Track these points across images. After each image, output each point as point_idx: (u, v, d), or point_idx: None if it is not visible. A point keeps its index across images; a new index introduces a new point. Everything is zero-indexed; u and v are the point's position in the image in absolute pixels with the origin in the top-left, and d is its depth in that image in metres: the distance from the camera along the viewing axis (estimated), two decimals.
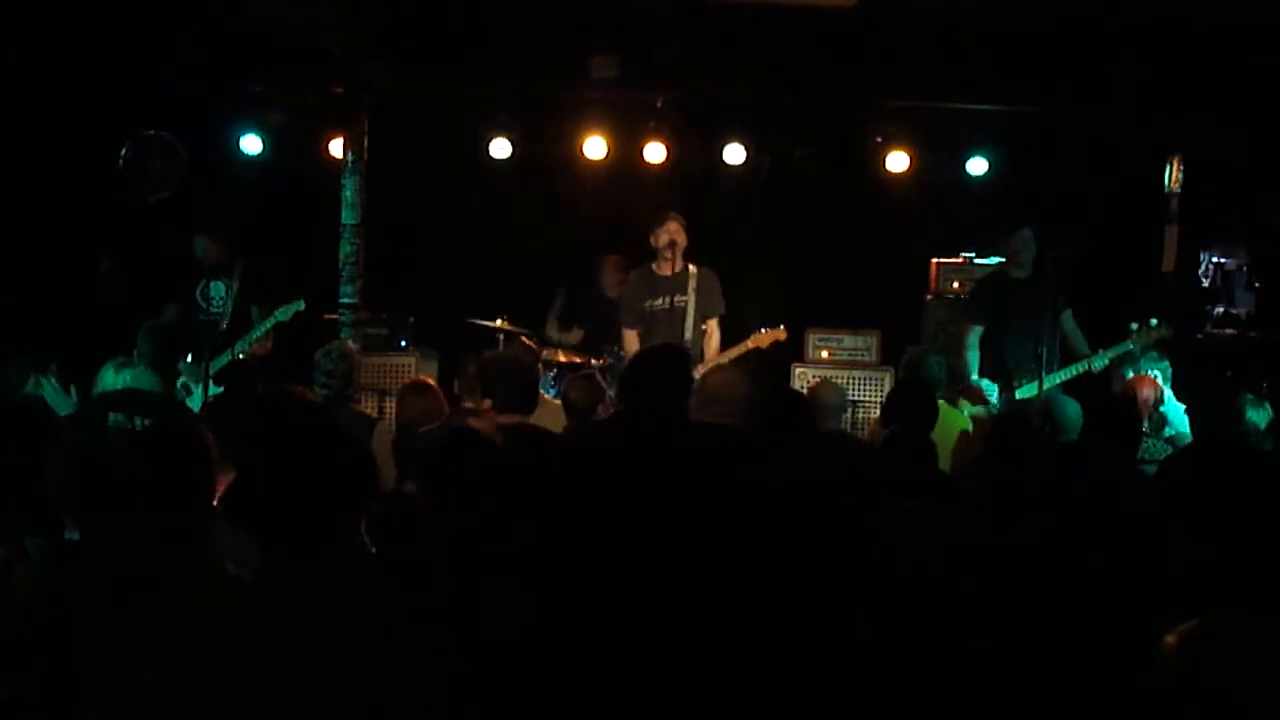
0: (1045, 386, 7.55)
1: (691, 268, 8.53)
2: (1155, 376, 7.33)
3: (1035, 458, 4.56)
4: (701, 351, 8.49)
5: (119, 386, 6.28)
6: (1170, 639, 3.02)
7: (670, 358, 5.53)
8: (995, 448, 4.64)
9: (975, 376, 8.16)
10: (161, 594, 3.24)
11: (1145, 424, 7.06)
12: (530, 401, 5.98)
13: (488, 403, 6.14)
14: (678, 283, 8.50)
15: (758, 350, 8.62)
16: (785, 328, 8.68)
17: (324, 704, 2.93)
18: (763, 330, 8.63)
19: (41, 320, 8.62)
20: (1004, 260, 8.56)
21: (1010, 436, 4.72)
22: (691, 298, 8.49)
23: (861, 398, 9.50)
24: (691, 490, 4.35)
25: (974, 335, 8.33)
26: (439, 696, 3.08)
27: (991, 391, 8.07)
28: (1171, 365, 7.61)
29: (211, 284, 8.40)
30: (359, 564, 3.33)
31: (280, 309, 8.09)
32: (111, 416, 5.54)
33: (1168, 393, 7.25)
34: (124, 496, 3.58)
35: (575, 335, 10.01)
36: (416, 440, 6.24)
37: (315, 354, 6.70)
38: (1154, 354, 7.45)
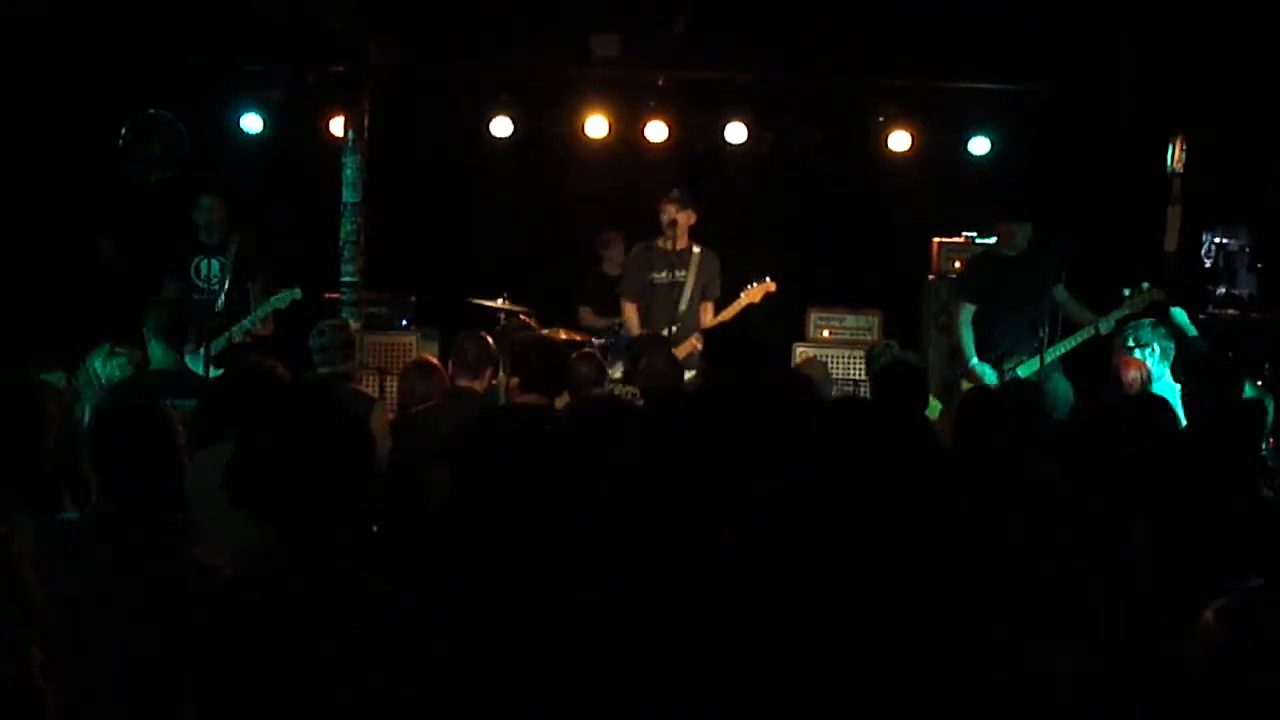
0: (1048, 360, 7.54)
1: (695, 247, 8.58)
2: (1150, 356, 7.27)
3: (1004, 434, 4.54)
4: (698, 322, 8.53)
5: (106, 374, 6.26)
6: (1208, 613, 3.08)
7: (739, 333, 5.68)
8: (964, 424, 4.64)
9: (975, 360, 8.13)
10: (124, 579, 3.24)
11: None
12: (555, 384, 5.91)
13: (515, 380, 6.12)
14: (680, 258, 8.54)
15: (752, 306, 8.63)
16: (773, 280, 8.67)
17: (319, 687, 2.93)
18: (752, 285, 8.63)
19: (42, 300, 8.64)
20: (995, 240, 8.52)
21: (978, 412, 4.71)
22: (691, 275, 8.54)
23: (863, 377, 9.50)
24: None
25: (966, 314, 8.30)
26: (438, 678, 3.08)
27: (986, 374, 8.05)
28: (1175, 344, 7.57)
29: (207, 261, 8.38)
30: (357, 541, 3.33)
31: (277, 296, 8.04)
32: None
33: (1165, 372, 7.21)
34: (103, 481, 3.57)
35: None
36: (419, 419, 6.22)
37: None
38: (1162, 330, 7.38)
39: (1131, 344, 7.22)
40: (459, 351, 6.46)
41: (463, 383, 6.37)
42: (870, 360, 7.89)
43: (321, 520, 3.10)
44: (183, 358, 6.37)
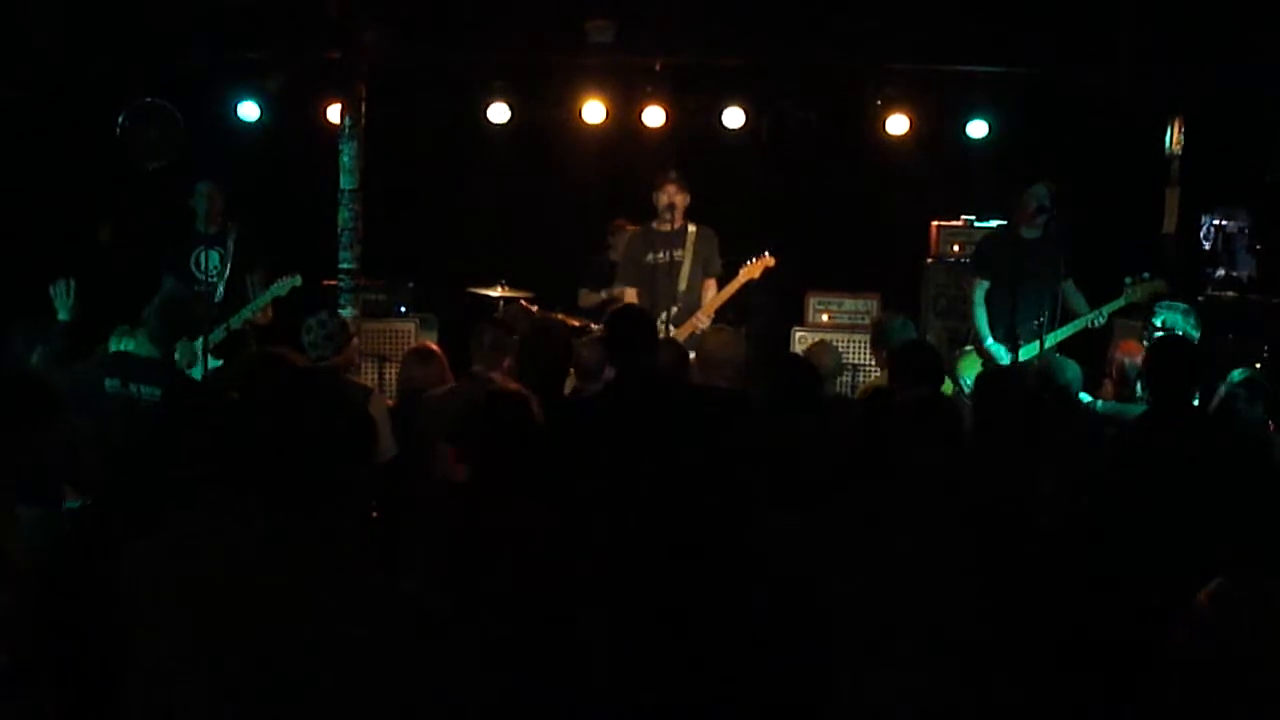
0: (1047, 345, 7.51)
1: (691, 226, 8.57)
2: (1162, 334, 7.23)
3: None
4: (699, 300, 8.55)
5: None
6: (1201, 596, 3.10)
7: (633, 316, 5.83)
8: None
9: (990, 340, 8.10)
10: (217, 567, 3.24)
11: (1126, 389, 7.05)
12: (556, 371, 5.89)
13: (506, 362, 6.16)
14: (676, 238, 8.54)
15: (750, 286, 8.63)
16: (771, 254, 8.64)
17: (325, 661, 2.94)
18: (751, 261, 8.62)
19: (42, 288, 8.62)
20: (1014, 218, 8.39)
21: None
22: (689, 253, 8.54)
23: (861, 361, 9.51)
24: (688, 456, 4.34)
25: (980, 291, 8.26)
26: (439, 649, 3.09)
27: (1001, 355, 8.03)
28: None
29: (206, 253, 8.36)
30: (359, 524, 3.34)
31: (278, 284, 8.04)
32: (108, 381, 5.53)
33: None
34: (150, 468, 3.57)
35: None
36: (427, 403, 6.22)
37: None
38: (1193, 320, 7.31)
39: (1160, 326, 7.18)
40: (476, 339, 6.48)
41: (477, 369, 6.38)
42: (886, 333, 7.77)
43: (322, 503, 3.11)
44: (171, 354, 6.32)
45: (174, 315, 6.02)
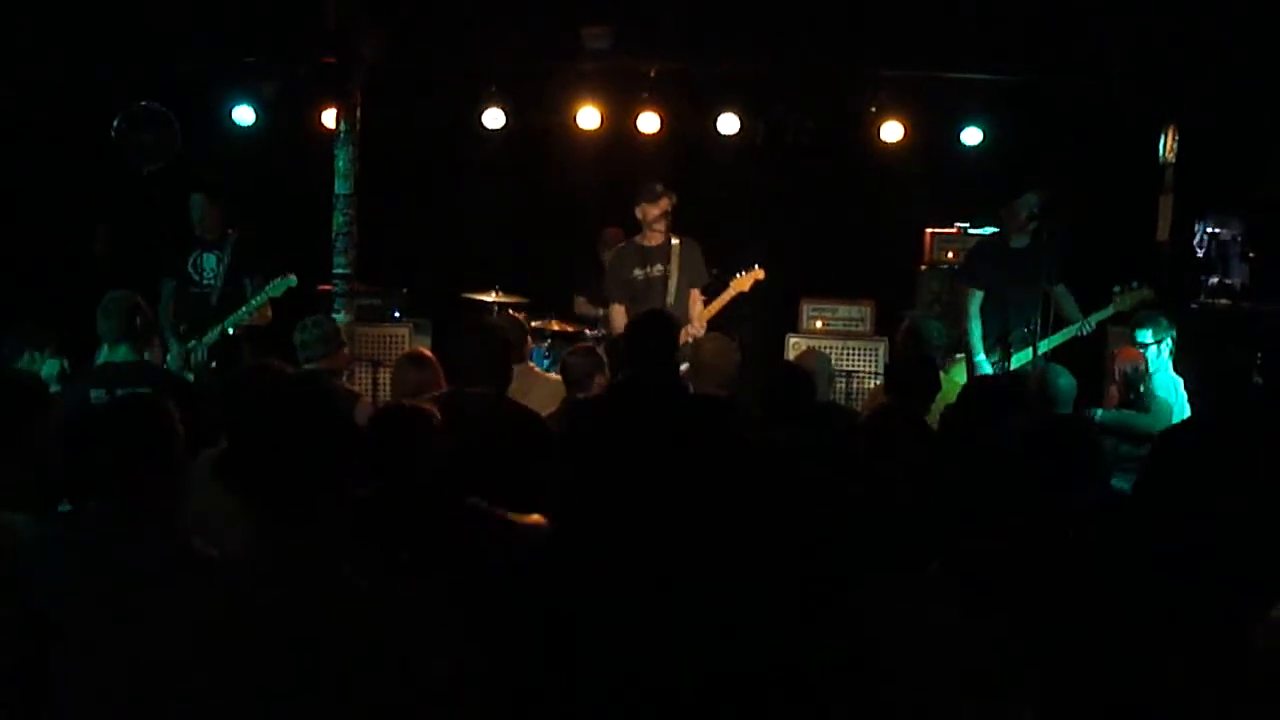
0: (1039, 352, 7.52)
1: (674, 239, 8.53)
2: (1163, 349, 7.25)
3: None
4: (688, 312, 8.52)
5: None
6: (1262, 626, 3.08)
7: (659, 322, 5.75)
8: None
9: (980, 355, 8.06)
10: (126, 574, 3.23)
11: (1131, 394, 7.07)
12: (496, 372, 5.80)
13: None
14: (661, 253, 8.51)
15: (740, 298, 8.59)
16: (762, 268, 8.62)
17: (321, 663, 2.94)
18: (740, 274, 8.60)
19: (38, 292, 8.62)
20: (1003, 227, 8.38)
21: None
22: (674, 266, 8.50)
23: (856, 368, 9.53)
24: (683, 461, 4.35)
25: (975, 302, 8.22)
26: (429, 657, 3.10)
27: (987, 368, 8.01)
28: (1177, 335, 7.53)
29: (203, 256, 8.36)
30: (346, 529, 3.34)
31: (272, 284, 8.04)
32: (93, 393, 5.52)
33: (1166, 363, 7.22)
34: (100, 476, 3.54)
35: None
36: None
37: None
38: (1164, 322, 7.35)
39: (1150, 339, 7.19)
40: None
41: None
42: (924, 340, 7.70)
43: (310, 505, 3.11)
44: (144, 346, 6.27)
45: (116, 309, 5.97)
